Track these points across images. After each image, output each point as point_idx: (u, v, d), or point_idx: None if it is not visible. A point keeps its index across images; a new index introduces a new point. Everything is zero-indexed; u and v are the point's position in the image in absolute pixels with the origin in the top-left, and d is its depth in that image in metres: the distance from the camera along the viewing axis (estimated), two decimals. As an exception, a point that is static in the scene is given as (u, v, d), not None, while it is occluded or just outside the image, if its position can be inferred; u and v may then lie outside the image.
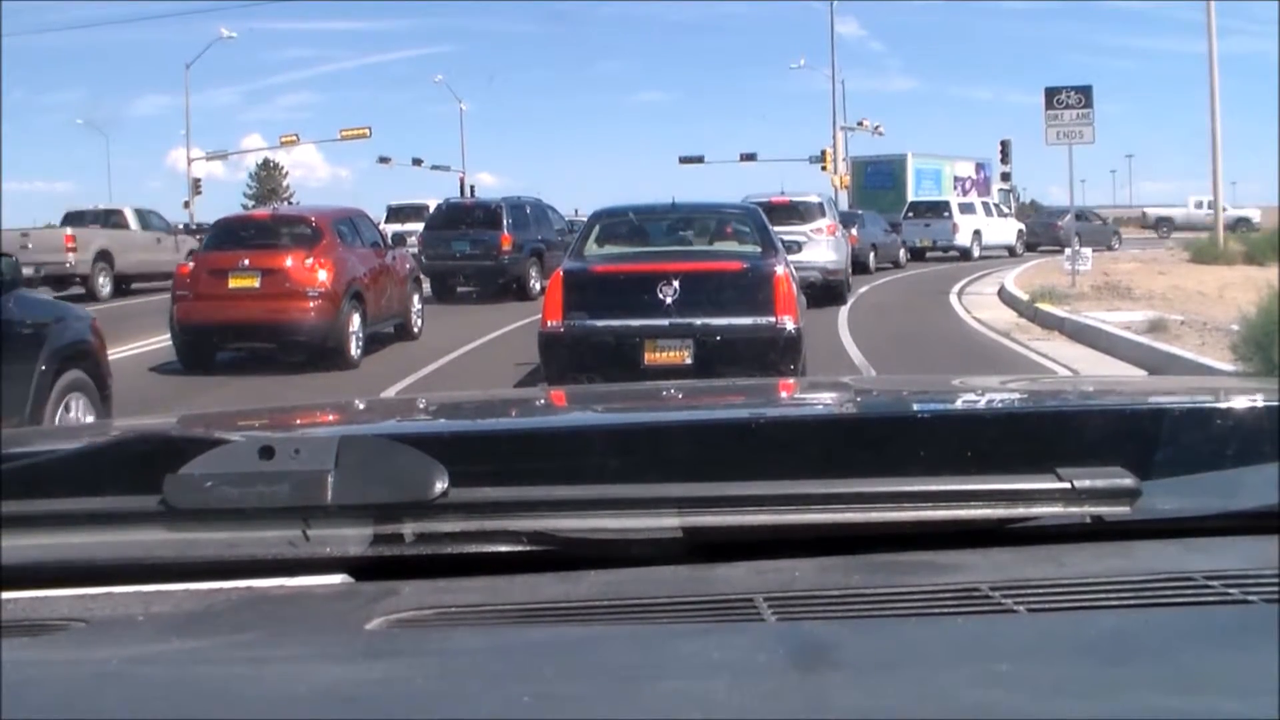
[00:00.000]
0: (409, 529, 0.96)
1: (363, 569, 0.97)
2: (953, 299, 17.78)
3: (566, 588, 0.93)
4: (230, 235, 11.53)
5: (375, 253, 12.11)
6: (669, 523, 0.98)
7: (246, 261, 10.69)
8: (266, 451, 0.96)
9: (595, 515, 0.99)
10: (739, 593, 0.89)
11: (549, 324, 7.49)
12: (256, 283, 10.56)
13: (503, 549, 0.98)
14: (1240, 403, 1.27)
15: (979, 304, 16.66)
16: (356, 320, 10.94)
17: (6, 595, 0.92)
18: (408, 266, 13.25)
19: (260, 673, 0.76)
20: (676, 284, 7.33)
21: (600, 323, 7.42)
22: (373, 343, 11.52)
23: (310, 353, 10.56)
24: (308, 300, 10.49)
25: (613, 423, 1.50)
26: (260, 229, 11.70)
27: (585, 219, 10.18)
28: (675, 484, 1.02)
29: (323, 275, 10.63)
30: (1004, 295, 17.02)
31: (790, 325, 7.29)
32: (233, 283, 10.59)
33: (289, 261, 10.68)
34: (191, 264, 11.20)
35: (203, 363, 10.65)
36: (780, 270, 7.59)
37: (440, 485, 0.95)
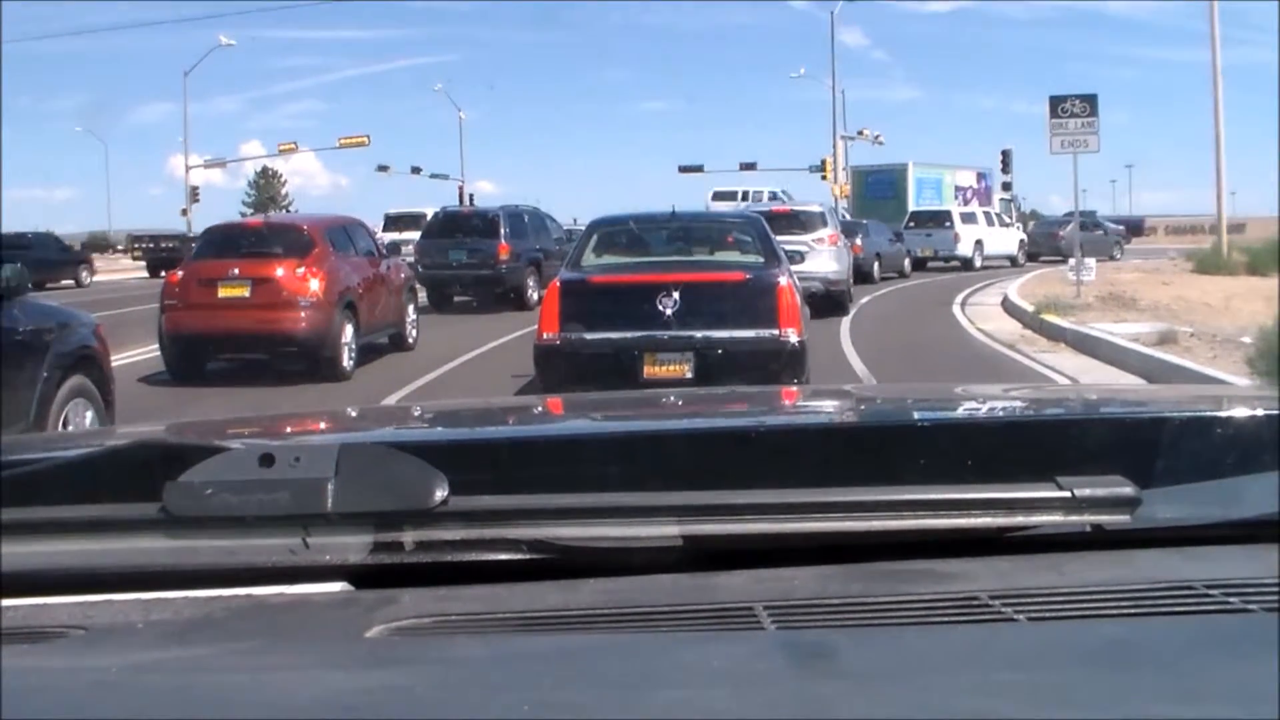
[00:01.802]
0: (409, 537, 0.97)
1: (363, 577, 0.97)
2: (956, 309, 17.62)
3: (566, 596, 0.93)
4: (221, 243, 11.32)
5: (369, 262, 11.91)
6: (669, 531, 0.99)
7: (237, 270, 10.49)
8: (266, 459, 0.96)
9: (595, 523, 0.99)
10: (739, 601, 0.89)
11: (545, 336, 7.29)
12: (247, 292, 10.36)
13: (502, 557, 0.98)
14: (1240, 412, 1.28)
15: (983, 315, 16.48)
16: (349, 331, 10.73)
17: (6, 602, 0.92)
18: (403, 275, 13.06)
19: (260, 680, 0.76)
20: (676, 295, 7.13)
21: (598, 335, 7.23)
22: (367, 354, 11.34)
23: (302, 364, 10.38)
24: (299, 310, 10.30)
25: (612, 431, 1.49)
26: (251, 237, 11.49)
27: (584, 228, 9.96)
28: (675, 492, 1.02)
29: (314, 284, 10.43)
30: (1008, 306, 16.86)
31: (794, 338, 7.10)
32: (222, 292, 10.38)
33: (280, 270, 10.48)
34: (181, 272, 10.99)
35: (192, 373, 10.46)
36: (783, 281, 7.39)
37: (440, 493, 0.95)
